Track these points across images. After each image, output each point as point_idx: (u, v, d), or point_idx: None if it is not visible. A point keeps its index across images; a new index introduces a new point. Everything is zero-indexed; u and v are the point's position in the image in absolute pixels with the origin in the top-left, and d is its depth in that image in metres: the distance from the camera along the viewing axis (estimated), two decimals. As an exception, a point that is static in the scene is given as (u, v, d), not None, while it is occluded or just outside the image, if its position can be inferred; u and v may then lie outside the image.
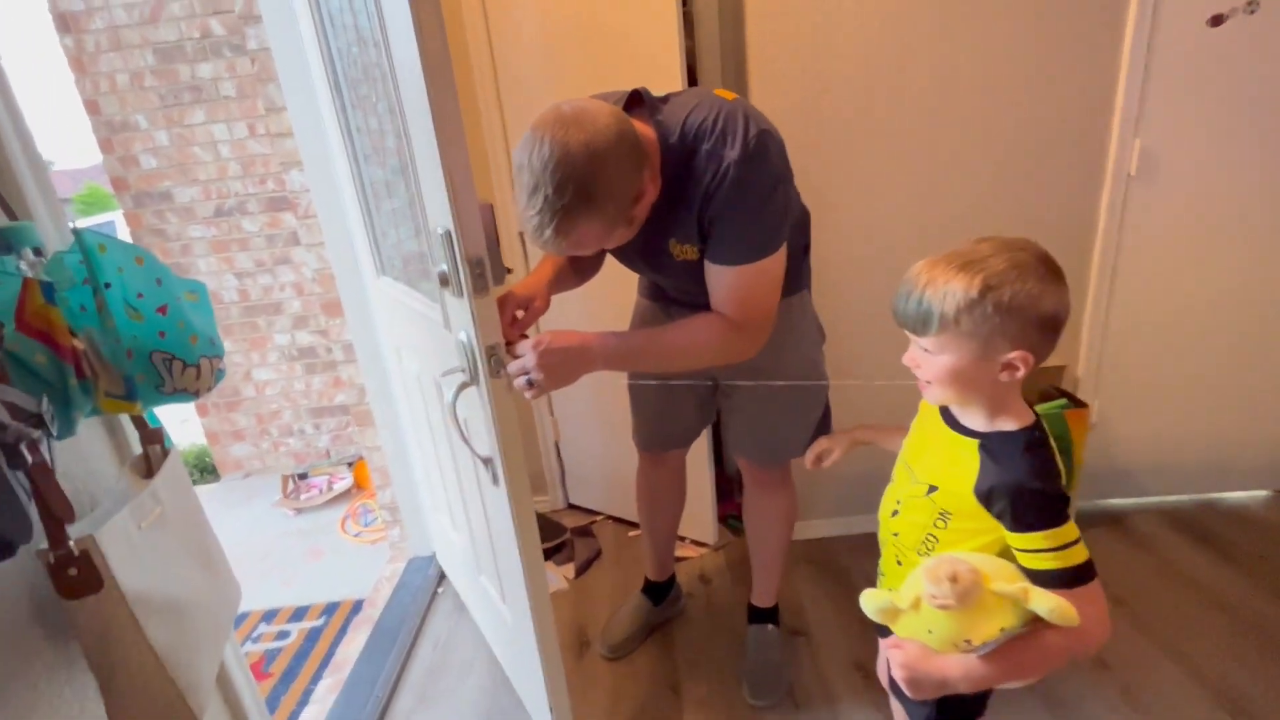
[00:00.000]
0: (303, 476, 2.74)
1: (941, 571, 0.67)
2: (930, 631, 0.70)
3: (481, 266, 0.93)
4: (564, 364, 0.97)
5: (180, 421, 3.32)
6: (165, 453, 0.81)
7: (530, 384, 0.97)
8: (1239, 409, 1.84)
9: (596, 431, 2.02)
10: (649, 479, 1.51)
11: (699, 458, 1.75)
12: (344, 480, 2.69)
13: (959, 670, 0.70)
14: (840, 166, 1.59)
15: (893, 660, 0.73)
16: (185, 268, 2.60)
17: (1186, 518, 1.87)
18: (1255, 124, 1.57)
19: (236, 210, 2.52)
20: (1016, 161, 1.59)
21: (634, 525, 2.04)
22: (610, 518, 2.11)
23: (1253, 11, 1.48)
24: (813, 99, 1.53)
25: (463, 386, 1.03)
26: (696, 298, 1.09)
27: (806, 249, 1.20)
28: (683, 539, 1.90)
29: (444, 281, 0.96)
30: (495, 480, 1.10)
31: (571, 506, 2.20)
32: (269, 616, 1.94)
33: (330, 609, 1.93)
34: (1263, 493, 1.95)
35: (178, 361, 0.70)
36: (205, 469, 3.00)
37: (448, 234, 0.91)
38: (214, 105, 2.41)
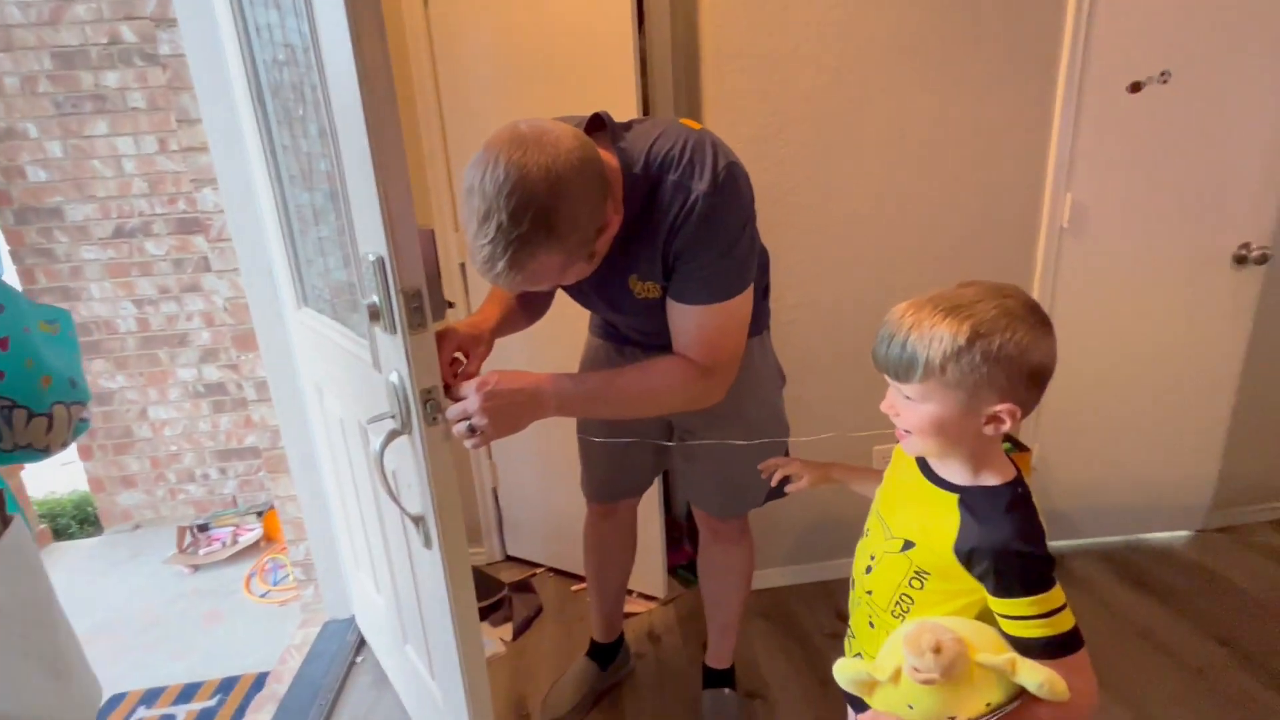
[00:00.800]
0: (203, 528, 2.44)
1: (924, 642, 0.61)
2: (911, 707, 0.64)
3: (419, 299, 0.82)
4: (511, 408, 0.87)
5: (60, 464, 2.93)
6: (3, 523, 0.65)
7: (472, 430, 0.86)
8: (1162, 454, 1.93)
9: (538, 477, 1.89)
10: (598, 531, 1.40)
11: (649, 505, 1.66)
12: (252, 531, 2.41)
13: None
14: (794, 208, 1.58)
15: None
16: (74, 293, 2.32)
17: (1119, 558, 1.92)
18: (1171, 181, 1.68)
19: (140, 231, 2.28)
20: (962, 210, 1.64)
21: (577, 578, 1.91)
22: (552, 570, 1.96)
23: (1165, 81, 1.60)
24: (769, 136, 1.53)
25: (392, 435, 0.91)
26: (655, 338, 1.01)
27: (766, 290, 1.15)
28: (630, 592, 1.78)
29: (374, 316, 0.85)
30: (428, 543, 0.97)
31: (509, 559, 2.04)
32: (150, 698, 1.66)
33: (227, 685, 1.68)
34: (1184, 533, 2.03)
35: (20, 410, 0.56)
36: (86, 520, 2.63)
37: (380, 261, 0.80)
38: (120, 117, 2.19)
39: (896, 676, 0.64)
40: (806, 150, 1.55)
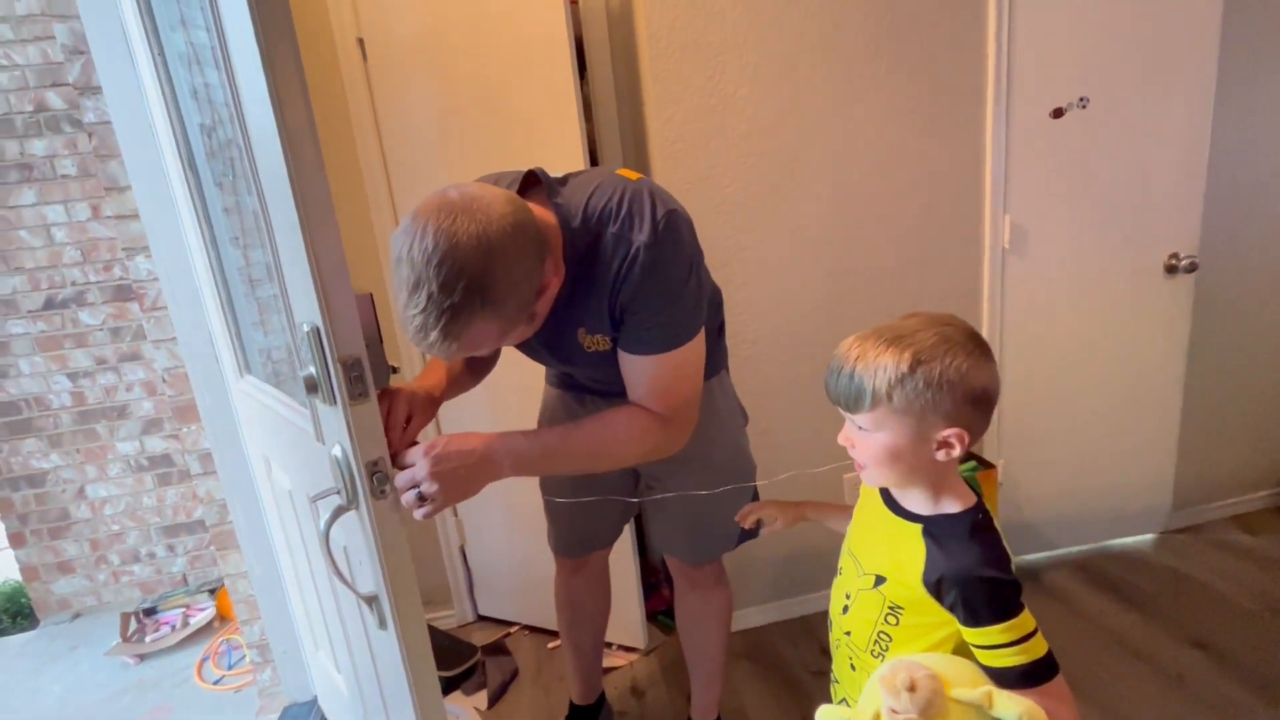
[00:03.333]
0: (150, 612, 2.28)
1: (899, 681, 0.59)
2: None
3: (359, 368, 0.78)
4: (463, 471, 0.83)
5: (-9, 553, 2.72)
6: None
7: (422, 499, 0.82)
8: (1120, 459, 1.97)
9: (507, 531, 1.82)
10: (569, 588, 1.34)
11: (622, 552, 1.61)
12: (204, 611, 2.25)
13: None
14: (743, 245, 1.60)
15: None
16: (1, 369, 2.18)
17: (1090, 567, 1.94)
18: (1100, 199, 1.76)
19: (74, 301, 2.17)
20: (908, 235, 1.68)
21: (554, 635, 1.83)
22: (527, 628, 1.88)
23: (1084, 106, 1.69)
24: (715, 177, 1.55)
25: (339, 511, 0.86)
26: (612, 385, 0.99)
27: (721, 328, 1.14)
28: (609, 645, 1.71)
29: (312, 387, 0.80)
30: (382, 623, 0.91)
31: (482, 618, 1.95)
32: (89, 811, 1.51)
33: (176, 788, 1.54)
34: (1149, 536, 2.07)
35: None
36: (19, 613, 2.43)
37: (315, 331, 0.77)
38: (48, 185, 2.10)
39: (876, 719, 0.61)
40: (753, 188, 1.57)
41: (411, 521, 0.86)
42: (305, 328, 0.77)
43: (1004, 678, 0.62)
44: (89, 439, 2.29)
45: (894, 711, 0.59)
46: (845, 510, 0.98)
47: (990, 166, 1.67)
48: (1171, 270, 1.82)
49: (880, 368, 0.64)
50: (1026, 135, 1.67)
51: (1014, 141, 1.67)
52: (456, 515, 1.87)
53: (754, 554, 1.73)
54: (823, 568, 1.82)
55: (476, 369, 1.10)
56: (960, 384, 0.63)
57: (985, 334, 1.79)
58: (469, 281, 0.71)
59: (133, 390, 2.27)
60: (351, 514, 0.87)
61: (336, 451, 0.83)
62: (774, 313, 1.65)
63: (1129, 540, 2.05)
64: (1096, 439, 1.94)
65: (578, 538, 1.29)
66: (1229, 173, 1.81)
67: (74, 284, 2.17)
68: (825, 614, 1.80)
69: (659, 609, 1.85)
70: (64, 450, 2.28)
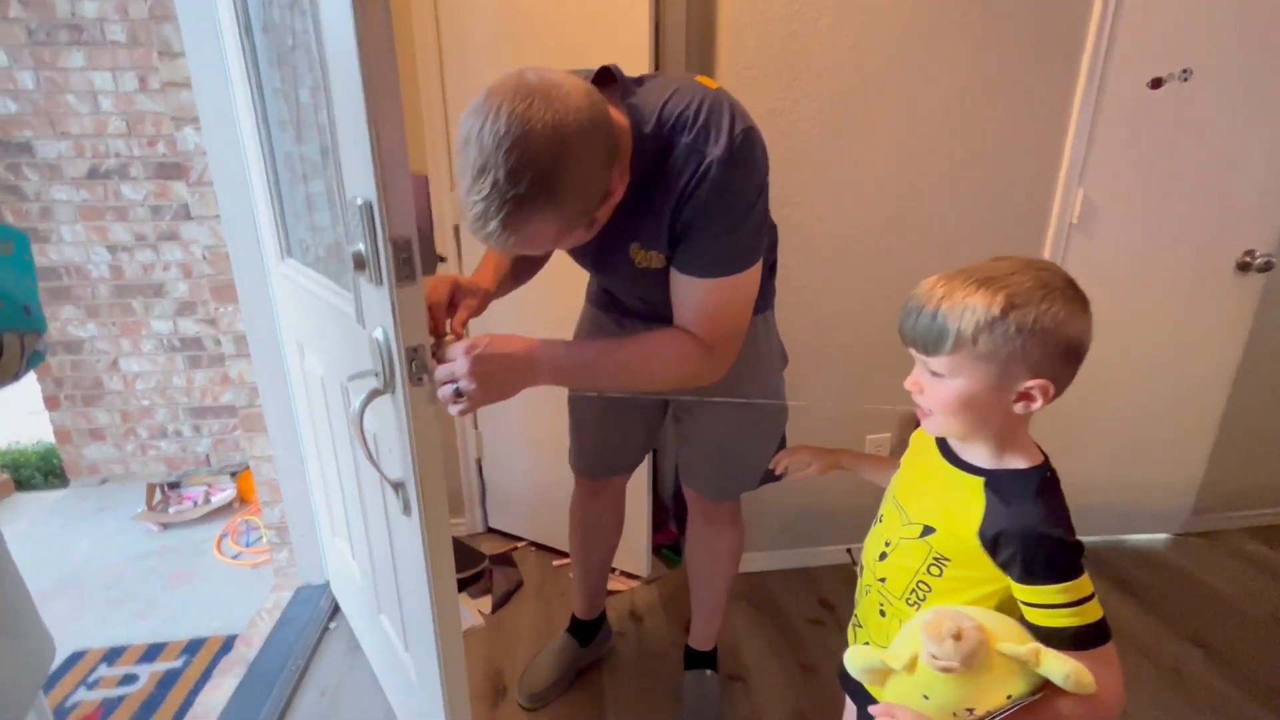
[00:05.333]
0: (174, 486, 2.37)
1: (944, 628, 0.58)
2: (926, 697, 0.61)
3: (408, 249, 0.76)
4: (501, 374, 0.82)
5: (27, 414, 2.83)
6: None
7: (458, 395, 0.81)
8: (1149, 457, 1.93)
9: (524, 449, 1.85)
10: (585, 508, 1.36)
11: (637, 483, 1.62)
12: (225, 492, 2.34)
13: None
14: (806, 185, 1.53)
15: None
16: (43, 234, 2.20)
17: (1100, 558, 1.92)
18: (1183, 182, 1.65)
19: (117, 174, 2.17)
20: (971, 199, 1.60)
21: (559, 554, 1.88)
22: (534, 545, 1.93)
23: (1186, 79, 1.56)
24: (784, 110, 1.47)
25: (374, 394, 0.86)
26: (656, 309, 0.96)
27: (773, 268, 1.10)
28: (613, 570, 1.75)
29: (360, 264, 0.79)
30: (406, 509, 0.93)
31: (491, 531, 2.00)
32: (112, 656, 1.61)
33: (193, 647, 1.63)
34: (1163, 536, 2.05)
35: None
36: (51, 472, 2.54)
37: (368, 206, 0.74)
38: (97, 50, 2.06)
39: (912, 665, 0.61)
40: (817, 129, 1.49)
41: (443, 417, 0.86)
42: (359, 201, 0.75)
43: (1054, 638, 0.60)
44: (125, 314, 2.33)
45: (935, 658, 0.58)
46: (883, 462, 0.96)
47: (1073, 133, 1.57)
48: (1244, 268, 1.73)
49: (969, 309, 0.60)
50: (1118, 103, 1.56)
51: (1103, 109, 1.56)
52: (476, 428, 1.89)
53: (763, 502, 1.74)
54: (831, 524, 1.85)
55: (522, 271, 1.07)
56: (1054, 333, 0.59)
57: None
58: (537, 173, 0.67)
59: (169, 270, 2.30)
60: (385, 399, 0.88)
61: (378, 334, 0.82)
62: (821, 262, 1.59)
63: (1143, 537, 2.03)
64: (1129, 432, 1.89)
65: (600, 461, 1.29)
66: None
67: (118, 155, 2.16)
68: (829, 568, 1.85)
69: (664, 543, 1.88)
70: (100, 321, 2.33)
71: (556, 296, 1.31)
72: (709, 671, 1.37)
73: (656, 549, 1.86)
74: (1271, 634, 1.62)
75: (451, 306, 0.93)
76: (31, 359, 0.56)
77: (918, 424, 0.74)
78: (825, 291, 1.62)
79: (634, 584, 1.77)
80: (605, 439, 1.25)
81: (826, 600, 1.72)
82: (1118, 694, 0.60)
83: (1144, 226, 1.68)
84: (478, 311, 0.96)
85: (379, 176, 0.72)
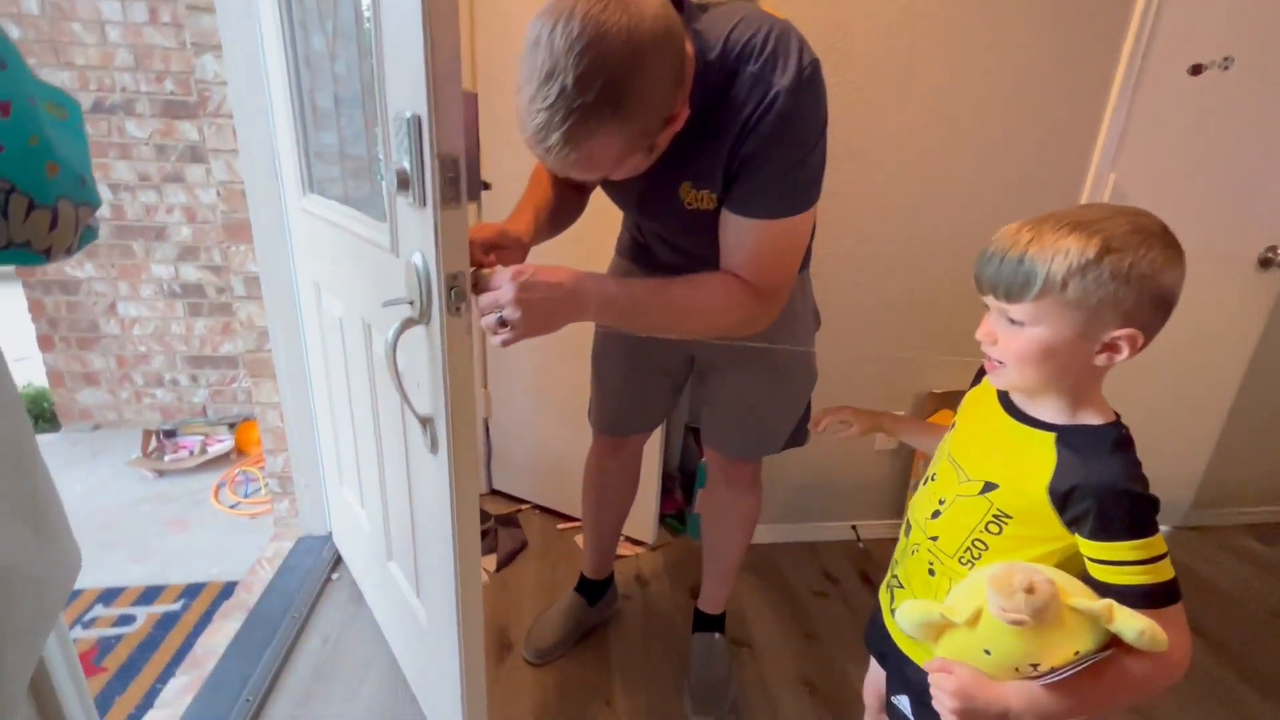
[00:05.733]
0: (170, 434, 2.33)
1: (1015, 581, 0.57)
2: (988, 652, 0.60)
3: (455, 169, 0.73)
4: (548, 304, 0.78)
5: (15, 360, 2.77)
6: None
7: (503, 324, 0.78)
8: (1153, 449, 1.91)
9: (534, 412, 1.82)
10: (602, 466, 1.34)
11: (651, 449, 1.60)
12: (222, 443, 2.31)
13: (1023, 700, 0.59)
14: (837, 151, 1.50)
15: (943, 686, 0.61)
16: (44, 169, 2.13)
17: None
18: (1213, 172, 1.64)
19: (122, 109, 2.10)
20: (1004, 174, 1.58)
21: (565, 517, 1.87)
22: (538, 508, 1.91)
23: (1227, 68, 1.55)
24: (830, 65, 1.43)
25: (408, 324, 0.83)
26: (694, 262, 0.94)
27: (813, 227, 1.08)
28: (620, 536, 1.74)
29: (403, 183, 0.76)
30: (434, 447, 0.90)
31: (495, 492, 1.98)
32: (108, 597, 1.58)
33: (192, 591, 1.61)
34: (1162, 528, 2.06)
35: (20, 197, 0.46)
36: (42, 415, 2.49)
37: (416, 120, 0.71)
38: (105, -23, 1.99)
39: (975, 619, 0.59)
40: (857, 94, 1.46)
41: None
42: (406, 114, 0.72)
43: (1124, 595, 0.58)
44: (124, 256, 2.27)
45: (1004, 610, 0.56)
46: (924, 426, 0.94)
47: (1110, 116, 1.55)
48: (1266, 264, 1.73)
49: (1060, 252, 0.57)
50: (1156, 87, 1.54)
51: (1141, 92, 1.54)
52: (486, 387, 1.87)
53: (773, 475, 1.72)
54: (836, 500, 1.85)
55: (561, 217, 1.03)
56: (1150, 279, 0.56)
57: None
58: (608, 81, 0.64)
59: (173, 213, 2.24)
60: (417, 331, 0.85)
61: (416, 259, 0.79)
62: (849, 232, 1.57)
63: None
64: (1133, 422, 1.88)
65: (621, 417, 1.27)
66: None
67: (124, 90, 2.09)
68: (832, 544, 1.85)
69: (669, 511, 1.87)
70: (99, 262, 2.27)
71: (585, 254, 1.28)
72: (717, 635, 1.36)
73: (661, 518, 1.85)
74: (1269, 628, 1.64)
75: (487, 251, 0.90)
76: (84, 235, 0.53)
77: (935, 410, 0.72)
78: (846, 260, 1.60)
79: (639, 550, 1.76)
80: (629, 395, 1.23)
81: (831, 574, 1.73)
82: (1186, 653, 0.59)
83: (1171, 215, 1.62)
84: (518, 259, 0.93)
85: (431, 88, 0.69)
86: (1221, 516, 2.09)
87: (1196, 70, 1.55)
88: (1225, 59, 1.54)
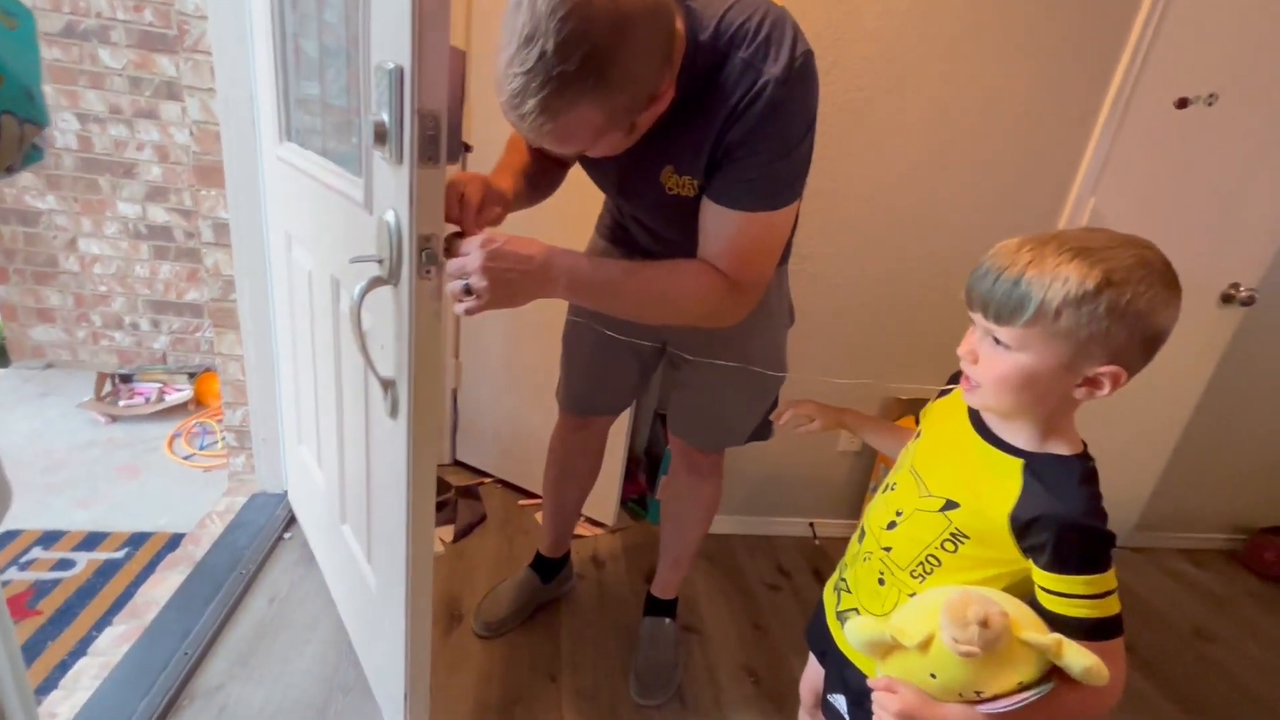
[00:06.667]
0: (126, 379, 2.26)
1: (971, 614, 0.56)
2: (934, 676, 0.60)
3: (435, 125, 0.71)
4: (514, 276, 0.76)
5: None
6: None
7: (468, 292, 0.77)
8: (1102, 470, 1.99)
9: (502, 386, 1.81)
10: (566, 444, 1.34)
11: (616, 433, 1.60)
12: (181, 392, 2.24)
13: None
14: (827, 152, 1.50)
15: (887, 707, 0.62)
16: (7, 91, 2.03)
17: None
18: (1187, 205, 1.68)
19: (95, 35, 2.00)
20: (986, 193, 1.59)
21: (526, 494, 1.86)
22: (500, 482, 1.91)
23: (1211, 104, 1.58)
24: (824, 68, 1.43)
25: (375, 283, 0.81)
26: (673, 247, 0.93)
27: (795, 223, 1.08)
28: (580, 516, 1.75)
29: (380, 137, 0.73)
30: (394, 411, 0.89)
31: (458, 463, 1.97)
32: (48, 540, 1.54)
33: (137, 540, 1.57)
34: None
35: None
36: (-8, 350, 2.40)
37: (398, 72, 0.69)
38: (86, -106, 1.89)
39: (926, 644, 0.59)
40: (851, 95, 1.46)
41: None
42: (388, 65, 0.69)
43: (1070, 627, 0.58)
44: (89, 190, 2.18)
45: (956, 641, 0.57)
46: (887, 427, 0.95)
47: (1096, 140, 1.57)
48: (1227, 300, 1.78)
49: (1059, 279, 0.55)
50: (1142, 116, 1.57)
51: (1128, 120, 1.56)
52: (457, 357, 1.85)
53: (734, 467, 1.74)
54: (794, 495, 1.87)
55: (539, 186, 1.01)
56: (1145, 319, 0.55)
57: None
58: (590, 51, 0.63)
59: (144, 150, 2.15)
60: (385, 291, 0.83)
61: (389, 217, 0.77)
62: (832, 239, 1.58)
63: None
64: (1095, 443, 1.95)
65: (587, 398, 1.27)
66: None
67: (99, 15, 1.99)
68: (789, 539, 1.88)
69: (632, 496, 1.88)
70: (61, 195, 2.18)
71: (563, 232, 1.26)
72: (667, 620, 1.38)
73: (623, 501, 1.86)
74: (1190, 644, 1.72)
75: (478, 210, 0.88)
76: (29, 155, 0.50)
77: (901, 415, 0.72)
78: (830, 264, 1.61)
79: (599, 531, 1.76)
80: (596, 376, 1.23)
81: (784, 568, 1.75)
82: (1120, 686, 0.59)
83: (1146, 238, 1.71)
84: (497, 222, 0.91)
85: (416, 38, 0.66)
86: (1161, 539, 2.17)
87: (1182, 103, 1.58)
88: (1211, 95, 1.57)
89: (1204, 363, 1.89)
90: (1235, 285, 1.77)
